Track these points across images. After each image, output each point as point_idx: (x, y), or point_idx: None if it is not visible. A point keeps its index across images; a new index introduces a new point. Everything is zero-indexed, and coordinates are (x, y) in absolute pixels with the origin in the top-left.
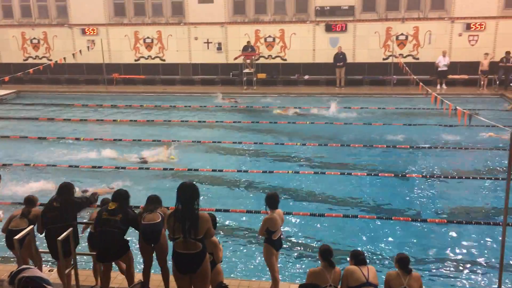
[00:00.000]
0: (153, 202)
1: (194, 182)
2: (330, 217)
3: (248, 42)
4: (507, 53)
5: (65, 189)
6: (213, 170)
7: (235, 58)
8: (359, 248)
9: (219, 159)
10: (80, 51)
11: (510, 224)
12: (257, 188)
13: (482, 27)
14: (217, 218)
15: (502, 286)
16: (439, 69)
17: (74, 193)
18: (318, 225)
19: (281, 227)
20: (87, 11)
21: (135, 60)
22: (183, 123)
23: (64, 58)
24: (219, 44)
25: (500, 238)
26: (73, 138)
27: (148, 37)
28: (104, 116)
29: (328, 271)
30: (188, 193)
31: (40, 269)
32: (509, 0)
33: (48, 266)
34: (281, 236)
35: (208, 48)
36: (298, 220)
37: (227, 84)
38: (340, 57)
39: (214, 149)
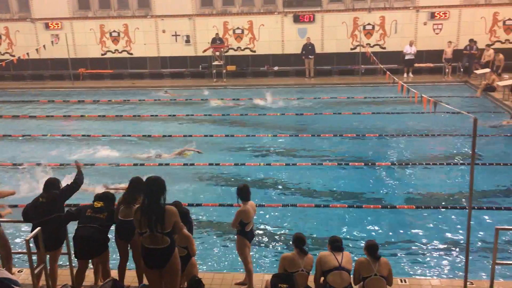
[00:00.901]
0: (135, 190)
1: (160, 176)
2: (302, 207)
3: (217, 34)
4: (471, 40)
5: (50, 185)
6: (184, 164)
7: (204, 51)
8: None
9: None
10: (44, 46)
11: (475, 207)
12: (228, 181)
13: (446, 16)
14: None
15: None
16: (406, 57)
17: (59, 188)
18: (291, 216)
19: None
20: (50, 4)
21: (102, 55)
22: (137, 118)
23: (28, 54)
24: (188, 36)
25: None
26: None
27: (114, 31)
28: (88, 111)
29: (301, 257)
30: (154, 187)
31: (10, 268)
32: None
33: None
34: (253, 227)
35: (176, 41)
36: (270, 212)
37: (197, 77)
38: (308, 48)
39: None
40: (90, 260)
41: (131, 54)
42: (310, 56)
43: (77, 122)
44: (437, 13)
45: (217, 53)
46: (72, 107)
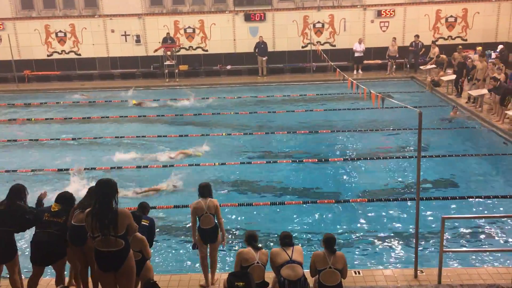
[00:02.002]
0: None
1: (112, 178)
2: (258, 206)
3: (168, 33)
4: (416, 37)
5: (15, 193)
6: (137, 167)
7: (155, 50)
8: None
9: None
10: None
11: (424, 198)
12: (186, 183)
13: (392, 14)
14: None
15: (419, 254)
16: (355, 55)
17: (26, 196)
18: (247, 214)
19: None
20: None
21: (48, 56)
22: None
23: None
24: (138, 36)
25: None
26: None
27: (60, 31)
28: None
29: (255, 252)
30: (105, 190)
31: None
32: None
33: None
34: (205, 226)
35: (126, 41)
36: (226, 211)
37: (149, 77)
38: (261, 46)
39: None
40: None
41: (79, 54)
42: (263, 55)
43: (23, 126)
44: (384, 11)
45: (169, 53)
46: (17, 110)
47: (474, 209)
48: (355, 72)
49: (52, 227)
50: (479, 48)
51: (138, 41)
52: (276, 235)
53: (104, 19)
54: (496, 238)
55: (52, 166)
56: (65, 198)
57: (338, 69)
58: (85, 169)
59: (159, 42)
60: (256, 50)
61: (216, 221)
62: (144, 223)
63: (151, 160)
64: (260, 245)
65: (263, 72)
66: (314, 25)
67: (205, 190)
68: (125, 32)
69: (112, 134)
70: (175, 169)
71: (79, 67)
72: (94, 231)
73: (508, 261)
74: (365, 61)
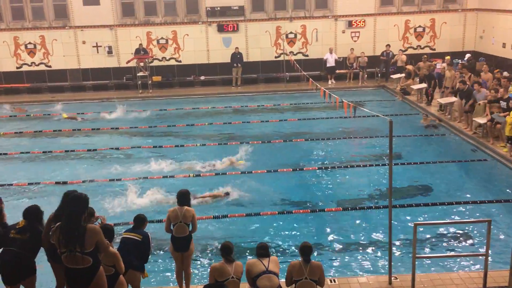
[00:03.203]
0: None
1: (82, 192)
2: (234, 217)
3: (140, 44)
4: (387, 46)
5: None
6: (110, 180)
7: (128, 62)
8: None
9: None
10: None
11: (397, 206)
12: (160, 195)
13: (362, 24)
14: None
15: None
16: (328, 65)
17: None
18: (223, 226)
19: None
20: None
21: (17, 68)
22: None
23: None
24: (110, 47)
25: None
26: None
27: (30, 43)
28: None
29: (229, 265)
30: (73, 205)
31: None
32: None
33: None
34: (178, 235)
35: (98, 52)
36: (201, 223)
37: (121, 89)
38: (237, 57)
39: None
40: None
41: (49, 66)
42: (238, 65)
43: None
44: (354, 22)
45: (142, 64)
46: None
47: (446, 215)
48: (329, 82)
49: (15, 244)
50: (448, 57)
51: (110, 52)
52: (252, 246)
53: (75, 30)
54: (468, 243)
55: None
56: (29, 213)
57: (311, 79)
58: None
59: (132, 53)
60: (233, 61)
61: (190, 231)
62: (135, 237)
63: (187, 169)
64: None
65: (237, 82)
66: (286, 36)
67: (182, 198)
68: (96, 43)
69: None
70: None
71: (49, 79)
72: (60, 247)
73: (479, 266)
74: (338, 71)
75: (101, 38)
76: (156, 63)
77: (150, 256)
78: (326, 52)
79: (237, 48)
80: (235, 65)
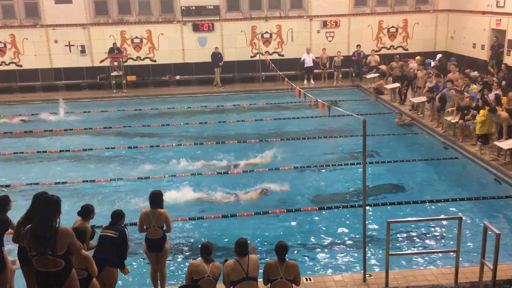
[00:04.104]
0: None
1: (54, 194)
2: (209, 219)
3: (114, 43)
4: (358, 46)
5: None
6: (84, 181)
7: (101, 61)
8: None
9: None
10: None
11: (372, 204)
12: (129, 196)
13: (337, 24)
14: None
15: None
16: (305, 65)
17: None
18: (202, 227)
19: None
20: None
21: None
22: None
23: None
24: (83, 46)
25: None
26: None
27: (0, 42)
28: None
29: (206, 265)
30: (44, 207)
31: None
32: None
33: None
34: (152, 236)
35: (70, 51)
36: (178, 224)
37: (95, 89)
38: (218, 56)
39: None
40: None
41: (20, 66)
42: (219, 64)
43: None
44: (329, 22)
45: (116, 63)
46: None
47: (419, 213)
48: (305, 82)
49: None
50: (418, 57)
51: (83, 51)
52: (227, 247)
53: (46, 29)
54: (440, 239)
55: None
56: None
57: (286, 79)
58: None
59: (105, 53)
60: (214, 61)
61: (163, 232)
62: (111, 234)
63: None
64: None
65: (218, 82)
66: (262, 35)
67: (154, 200)
68: (69, 42)
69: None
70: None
71: (20, 79)
72: (31, 250)
73: (451, 262)
74: (316, 70)
75: (74, 37)
76: (130, 62)
77: (127, 253)
78: (302, 52)
79: (216, 48)
80: (219, 64)
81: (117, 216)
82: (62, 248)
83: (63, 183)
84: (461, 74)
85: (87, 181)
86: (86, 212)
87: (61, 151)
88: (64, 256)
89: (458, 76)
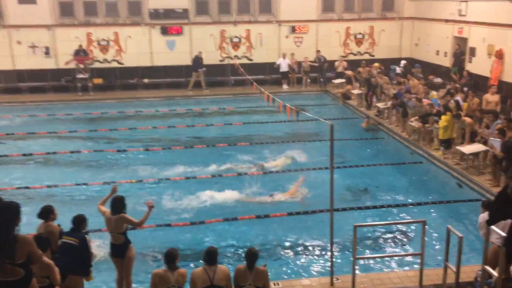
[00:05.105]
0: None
1: (12, 200)
2: (178, 226)
3: (80, 45)
4: (318, 52)
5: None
6: (48, 186)
7: (67, 63)
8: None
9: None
10: None
11: (339, 209)
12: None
13: (305, 30)
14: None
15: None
16: (281, 70)
17: None
18: (168, 234)
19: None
20: None
21: None
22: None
23: None
24: (47, 48)
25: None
26: None
27: None
28: None
29: (171, 273)
30: (1, 214)
31: None
32: (326, 5)
33: None
34: (113, 241)
35: (34, 53)
36: (144, 231)
37: (60, 91)
38: (199, 61)
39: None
40: None
41: None
42: (200, 69)
43: None
44: (297, 27)
45: (82, 66)
46: None
47: (385, 217)
48: (284, 86)
49: None
50: (376, 64)
51: (47, 53)
52: (196, 254)
53: (9, 30)
54: (405, 242)
55: None
56: None
57: (255, 83)
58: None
59: (71, 55)
60: (195, 65)
61: (125, 238)
62: (71, 241)
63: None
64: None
65: (194, 85)
66: (231, 40)
67: (114, 205)
68: (33, 43)
69: None
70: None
71: None
72: None
73: (416, 264)
74: (291, 75)
75: (38, 38)
76: (97, 65)
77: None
78: (271, 56)
79: (200, 52)
80: (201, 69)
81: (79, 221)
82: (22, 257)
83: (26, 188)
84: (421, 81)
85: (51, 186)
86: (46, 213)
87: (24, 155)
88: (23, 265)
89: (418, 83)
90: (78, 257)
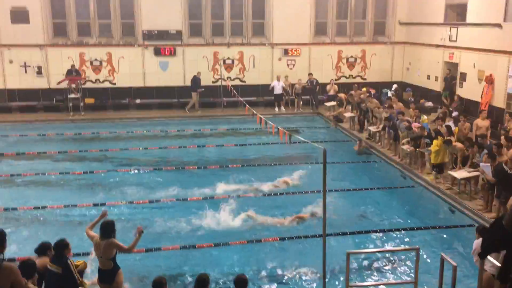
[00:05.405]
0: None
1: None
2: (167, 250)
3: (73, 65)
4: (310, 75)
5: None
6: (35, 207)
7: (59, 83)
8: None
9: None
10: None
11: (332, 234)
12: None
13: (298, 53)
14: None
15: None
16: (275, 92)
17: None
18: (155, 259)
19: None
20: None
21: None
22: None
23: None
24: (39, 68)
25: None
26: None
27: None
28: None
29: None
30: None
31: None
32: (318, 29)
33: None
34: (100, 266)
35: (26, 72)
36: (132, 256)
37: (51, 111)
38: (198, 81)
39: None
40: None
41: None
42: (199, 90)
43: None
44: (290, 50)
45: (73, 86)
46: None
47: (378, 242)
48: (276, 109)
49: None
50: (364, 89)
51: (39, 72)
52: (189, 281)
53: (1, 49)
54: (399, 269)
55: None
56: None
57: (247, 105)
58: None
59: (63, 74)
60: (197, 88)
61: (114, 264)
62: (53, 269)
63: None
64: None
65: (193, 106)
66: (224, 61)
67: (104, 230)
68: (25, 63)
69: None
70: None
71: None
72: None
73: None
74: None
75: (30, 57)
76: (89, 85)
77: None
78: (263, 78)
79: (199, 72)
80: (200, 90)
81: (59, 247)
82: (5, 286)
83: (13, 209)
84: (412, 105)
85: (39, 207)
86: (43, 249)
87: (11, 175)
88: None
89: (402, 106)
90: (65, 285)
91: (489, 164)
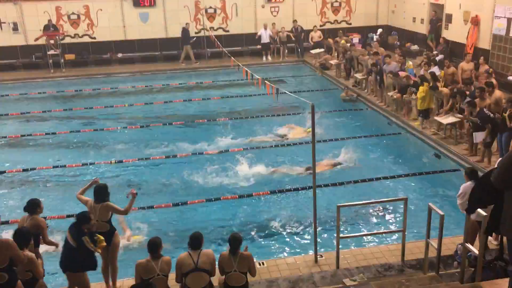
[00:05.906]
0: None
1: None
2: (160, 208)
3: (50, 20)
4: (294, 22)
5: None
6: (24, 169)
7: (36, 39)
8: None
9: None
10: None
11: (322, 185)
12: (74, 184)
13: None
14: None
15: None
16: (262, 41)
17: None
18: (149, 217)
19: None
20: None
21: None
22: None
23: None
24: (15, 24)
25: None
26: None
27: None
28: None
29: (155, 262)
30: None
31: None
32: None
33: None
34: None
35: (1, 29)
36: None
37: (31, 68)
38: (188, 33)
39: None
40: None
41: None
42: (191, 41)
43: None
44: None
45: (52, 41)
46: None
47: (367, 191)
48: (264, 58)
49: None
50: (343, 41)
51: (15, 29)
52: (181, 238)
53: None
54: (388, 217)
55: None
56: None
57: (232, 58)
58: None
59: (40, 30)
60: (187, 38)
61: (110, 226)
62: (71, 242)
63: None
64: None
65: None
66: (206, 11)
67: (98, 194)
68: None
69: None
70: None
71: None
72: None
73: (398, 237)
74: (272, 46)
75: (5, 13)
76: (68, 40)
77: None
78: (247, 27)
79: (187, 24)
80: (191, 41)
81: (79, 221)
82: (4, 261)
83: (1, 172)
84: (397, 50)
85: (27, 169)
86: (32, 206)
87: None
88: (6, 269)
89: (383, 51)
90: (77, 258)
91: (482, 132)
